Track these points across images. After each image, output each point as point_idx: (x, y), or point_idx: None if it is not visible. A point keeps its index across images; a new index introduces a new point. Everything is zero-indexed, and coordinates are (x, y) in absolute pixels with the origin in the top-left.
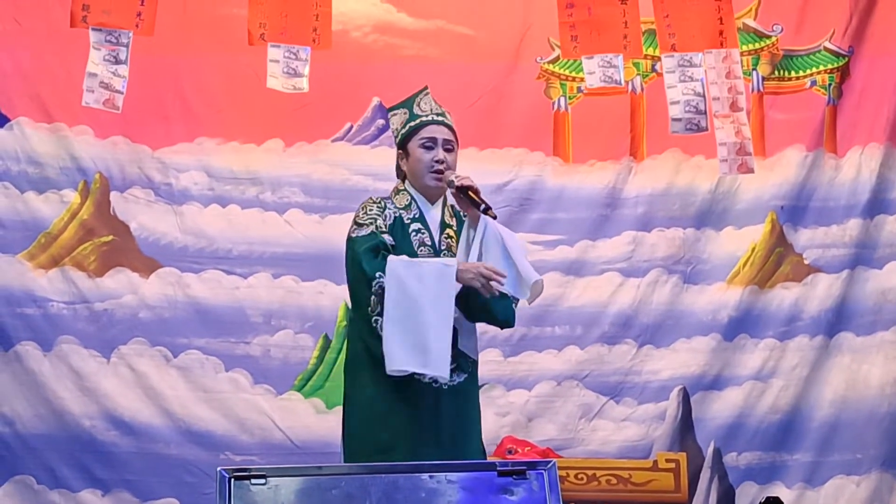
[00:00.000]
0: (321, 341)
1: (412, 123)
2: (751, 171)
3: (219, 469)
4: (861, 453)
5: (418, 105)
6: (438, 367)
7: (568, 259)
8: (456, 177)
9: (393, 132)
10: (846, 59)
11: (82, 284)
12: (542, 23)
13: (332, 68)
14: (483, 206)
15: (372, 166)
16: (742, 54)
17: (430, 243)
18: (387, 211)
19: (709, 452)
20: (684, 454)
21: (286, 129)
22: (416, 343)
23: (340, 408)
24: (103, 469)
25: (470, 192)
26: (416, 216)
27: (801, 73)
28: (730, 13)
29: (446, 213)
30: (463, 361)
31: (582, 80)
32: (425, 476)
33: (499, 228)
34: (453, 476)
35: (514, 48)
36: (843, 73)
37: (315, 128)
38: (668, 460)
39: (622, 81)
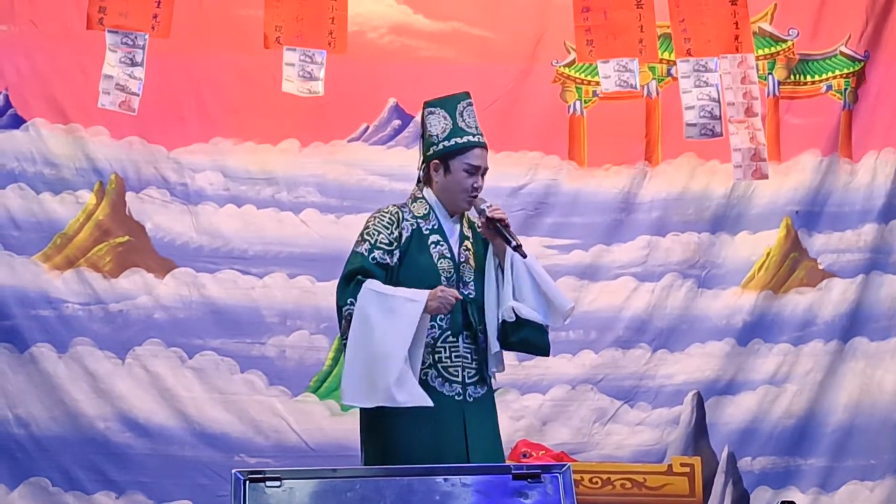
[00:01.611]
0: (336, 342)
1: (458, 140)
2: (765, 176)
3: (233, 471)
4: (875, 458)
5: (461, 115)
6: (388, 397)
7: (583, 263)
8: (488, 206)
9: (428, 135)
10: (862, 63)
11: (97, 285)
12: (558, 26)
13: (349, 69)
14: (514, 244)
15: (388, 167)
16: (758, 58)
17: (449, 255)
18: (403, 223)
19: (723, 457)
20: (699, 458)
21: (302, 129)
22: (367, 376)
23: (355, 410)
24: (118, 471)
25: (500, 226)
26: (435, 227)
27: (817, 78)
28: (745, 18)
29: (464, 224)
30: (485, 373)
31: (597, 83)
32: (440, 479)
33: (527, 261)
34: (468, 479)
35: (530, 51)
36: (859, 77)
37: (331, 128)
38: (682, 464)
39: (637, 86)
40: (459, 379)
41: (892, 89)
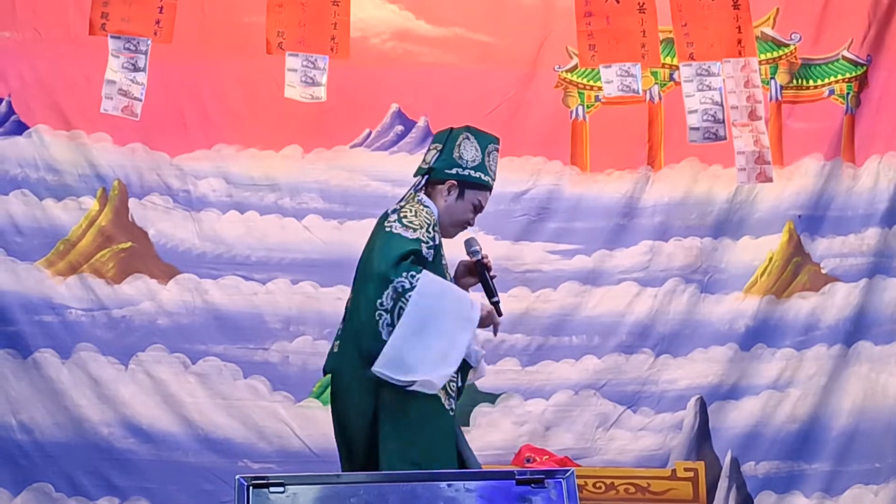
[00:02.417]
0: None
1: (483, 177)
2: (769, 179)
3: (237, 477)
4: (879, 463)
5: (488, 156)
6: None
7: (585, 268)
8: (483, 254)
9: (458, 155)
10: (864, 68)
11: (101, 291)
12: (561, 31)
13: (351, 75)
14: (495, 299)
15: (390, 172)
16: (760, 63)
17: (452, 276)
18: (436, 226)
19: (726, 462)
20: (702, 463)
21: (305, 135)
22: (440, 352)
23: None
24: (121, 477)
25: (488, 276)
26: (439, 242)
27: (819, 82)
28: (748, 22)
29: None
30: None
31: (600, 88)
32: (443, 485)
33: None
34: (471, 485)
35: (533, 56)
36: (862, 82)
37: (334, 134)
38: (686, 469)
39: (640, 90)
40: (455, 393)
41: (895, 93)
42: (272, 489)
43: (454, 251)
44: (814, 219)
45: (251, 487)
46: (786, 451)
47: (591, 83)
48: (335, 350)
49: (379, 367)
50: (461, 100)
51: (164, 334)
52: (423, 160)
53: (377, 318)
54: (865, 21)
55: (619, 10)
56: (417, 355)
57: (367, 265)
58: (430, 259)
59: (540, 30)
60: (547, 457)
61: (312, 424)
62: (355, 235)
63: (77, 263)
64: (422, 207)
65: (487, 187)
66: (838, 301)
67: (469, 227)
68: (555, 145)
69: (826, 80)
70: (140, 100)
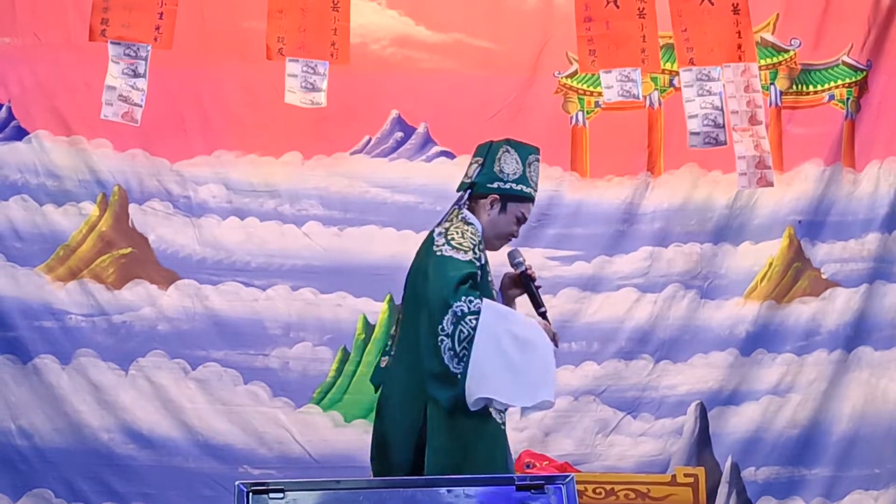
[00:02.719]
0: (340, 354)
1: (525, 189)
2: (770, 184)
3: (237, 483)
4: (879, 468)
5: (529, 167)
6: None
7: (585, 275)
8: (528, 265)
9: (499, 169)
10: (864, 73)
11: (101, 297)
12: (561, 37)
13: (351, 81)
14: (543, 309)
15: (390, 179)
16: (760, 68)
17: (497, 290)
18: (481, 244)
19: (727, 467)
20: (702, 469)
21: (304, 141)
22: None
23: (359, 421)
24: (121, 482)
25: (534, 287)
26: (486, 259)
27: (819, 88)
28: (748, 27)
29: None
30: None
31: (599, 94)
32: (443, 490)
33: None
34: (471, 490)
35: (533, 62)
36: (861, 87)
37: (333, 140)
38: (686, 475)
39: (640, 95)
40: (505, 408)
41: (895, 98)
42: (272, 495)
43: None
44: (814, 224)
45: (251, 493)
46: (786, 456)
47: (591, 89)
48: (383, 366)
49: (479, 394)
50: (461, 106)
51: (165, 340)
52: (466, 174)
53: (439, 342)
54: (865, 26)
55: (619, 14)
56: (509, 377)
57: (422, 290)
58: (479, 280)
59: (539, 35)
60: (547, 462)
61: (312, 430)
62: (355, 242)
63: (77, 269)
64: (466, 227)
65: (530, 199)
66: (839, 306)
67: (513, 239)
68: (555, 151)
69: (826, 86)
70: (140, 106)
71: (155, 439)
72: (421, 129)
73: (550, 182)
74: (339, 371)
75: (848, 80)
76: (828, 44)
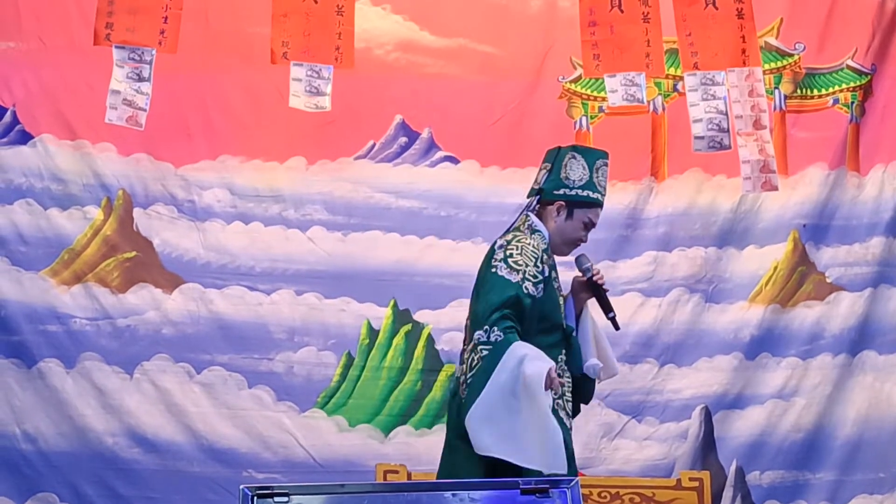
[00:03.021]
0: (344, 359)
1: (591, 195)
2: (774, 188)
3: (241, 487)
4: (884, 472)
5: (597, 171)
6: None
7: None
8: (595, 271)
9: (564, 176)
10: (869, 76)
11: (105, 300)
12: (565, 41)
13: (355, 86)
14: (612, 314)
15: (394, 184)
16: (764, 73)
17: (563, 293)
18: (547, 259)
19: (731, 471)
20: (707, 473)
21: (309, 146)
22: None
23: (363, 426)
24: (126, 486)
25: (602, 292)
26: (553, 264)
27: (824, 92)
28: (752, 31)
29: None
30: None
31: (603, 99)
32: (448, 494)
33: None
34: (476, 494)
35: (537, 67)
36: (866, 91)
37: (337, 145)
38: (691, 479)
39: (644, 100)
40: (572, 412)
41: None
42: (276, 499)
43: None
44: (818, 228)
45: (256, 497)
46: (791, 460)
47: (595, 94)
48: (456, 374)
49: (480, 441)
50: (465, 111)
51: (169, 344)
52: (535, 180)
53: (461, 361)
54: (870, 30)
55: (623, 19)
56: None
57: (471, 303)
58: (540, 293)
59: (543, 40)
60: None
61: (317, 434)
62: (359, 247)
63: (82, 273)
64: (529, 240)
65: (597, 204)
66: (843, 310)
67: (582, 245)
68: None
69: (830, 90)
70: (144, 110)
71: (159, 443)
72: (425, 134)
73: None
74: (344, 376)
75: (852, 84)
76: (832, 48)
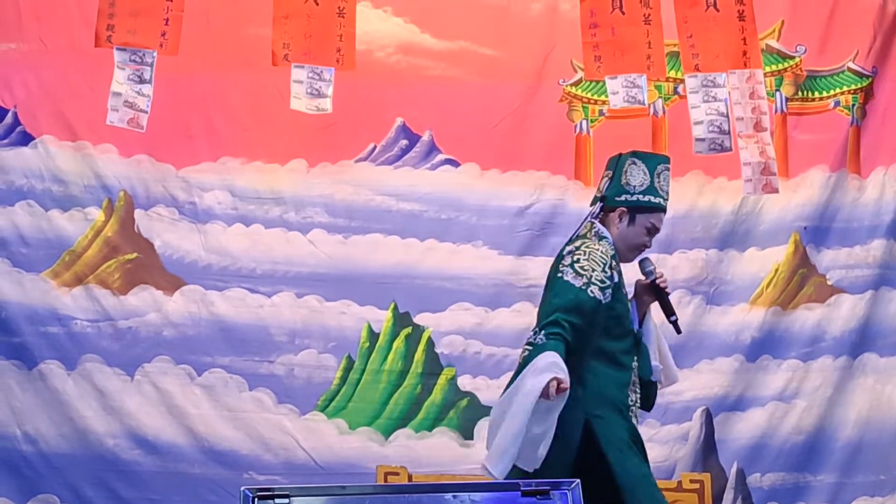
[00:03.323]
0: (344, 361)
1: (653, 199)
2: (775, 190)
3: (242, 488)
4: (885, 474)
5: (658, 177)
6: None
7: None
8: (658, 274)
9: (625, 182)
10: (870, 79)
11: (106, 302)
12: (565, 44)
13: (356, 89)
14: (674, 318)
15: (395, 187)
16: (765, 75)
17: (631, 299)
18: (615, 266)
19: (732, 473)
20: (708, 475)
21: (310, 149)
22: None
23: (363, 428)
24: (127, 488)
25: (665, 296)
26: (620, 270)
27: (825, 94)
28: (753, 33)
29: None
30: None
31: (604, 102)
32: (449, 496)
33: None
34: (477, 496)
35: (538, 70)
36: (867, 93)
37: (338, 148)
38: (692, 481)
39: (646, 102)
40: (635, 416)
41: None
42: (277, 500)
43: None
44: (819, 230)
45: (256, 499)
46: (791, 462)
47: (596, 97)
48: None
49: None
50: (466, 113)
51: (170, 346)
52: (598, 188)
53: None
54: (871, 32)
55: (624, 21)
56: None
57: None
58: (608, 298)
59: (544, 43)
60: None
61: (317, 437)
62: (360, 250)
63: (83, 274)
64: (597, 246)
65: (659, 208)
66: (844, 313)
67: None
68: (559, 159)
69: (831, 92)
70: (146, 112)
71: (160, 445)
72: (426, 136)
73: (554, 191)
74: (344, 379)
75: (853, 87)
76: (833, 50)
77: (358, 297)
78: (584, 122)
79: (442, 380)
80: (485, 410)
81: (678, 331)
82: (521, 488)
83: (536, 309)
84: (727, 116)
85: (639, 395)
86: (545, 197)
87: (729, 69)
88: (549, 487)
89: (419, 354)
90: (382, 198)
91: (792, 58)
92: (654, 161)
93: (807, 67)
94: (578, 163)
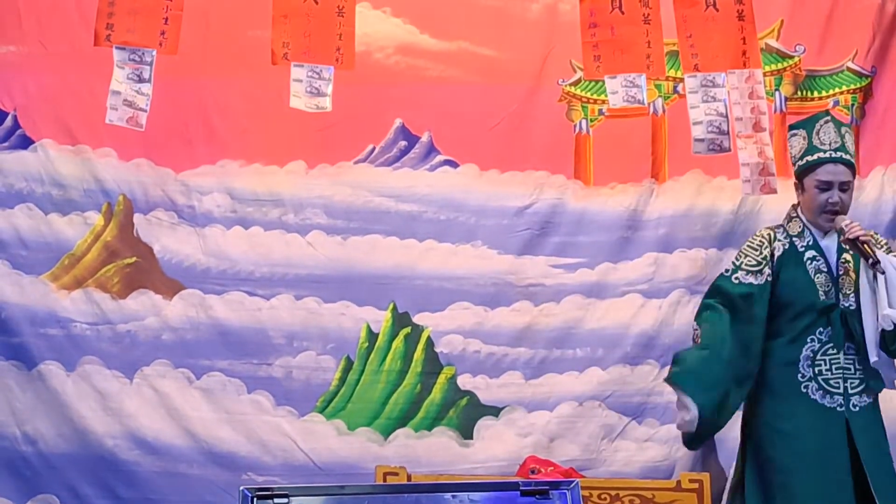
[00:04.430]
0: (343, 363)
1: (809, 158)
2: (773, 191)
3: (242, 488)
4: None
5: (817, 134)
6: None
7: (589, 282)
8: (847, 225)
9: (791, 157)
10: (869, 79)
11: (105, 306)
12: (565, 44)
13: (355, 90)
14: (872, 260)
15: (394, 188)
16: (765, 75)
17: (825, 270)
18: (774, 243)
19: (731, 473)
20: (707, 475)
21: (308, 150)
22: None
23: (362, 429)
24: (126, 488)
25: (858, 243)
26: (810, 243)
27: (824, 94)
28: (753, 33)
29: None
30: (871, 383)
31: (603, 102)
32: (448, 496)
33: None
34: (476, 496)
35: (537, 70)
36: (866, 93)
37: (337, 149)
38: (691, 480)
39: (645, 101)
40: (841, 390)
41: None
42: (276, 500)
43: None
44: None
45: (256, 499)
46: None
47: (595, 97)
48: None
49: None
50: (465, 114)
51: (169, 349)
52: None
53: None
54: (870, 32)
55: (624, 20)
56: None
57: None
58: (763, 280)
59: (543, 44)
60: (552, 468)
61: (316, 438)
62: (359, 251)
63: (82, 278)
64: (759, 231)
65: (820, 162)
66: None
67: (833, 208)
68: (558, 159)
69: (830, 92)
70: (145, 111)
71: (159, 446)
72: (425, 137)
73: (554, 190)
74: (343, 380)
75: (853, 87)
76: (832, 50)
77: (357, 297)
78: (584, 122)
79: (441, 379)
80: (484, 409)
81: (881, 272)
82: (521, 488)
83: (536, 307)
84: (726, 116)
85: (829, 366)
86: (544, 196)
87: (728, 69)
88: (548, 487)
89: (418, 354)
90: (381, 199)
91: (791, 57)
92: (812, 121)
93: (806, 67)
94: (578, 162)
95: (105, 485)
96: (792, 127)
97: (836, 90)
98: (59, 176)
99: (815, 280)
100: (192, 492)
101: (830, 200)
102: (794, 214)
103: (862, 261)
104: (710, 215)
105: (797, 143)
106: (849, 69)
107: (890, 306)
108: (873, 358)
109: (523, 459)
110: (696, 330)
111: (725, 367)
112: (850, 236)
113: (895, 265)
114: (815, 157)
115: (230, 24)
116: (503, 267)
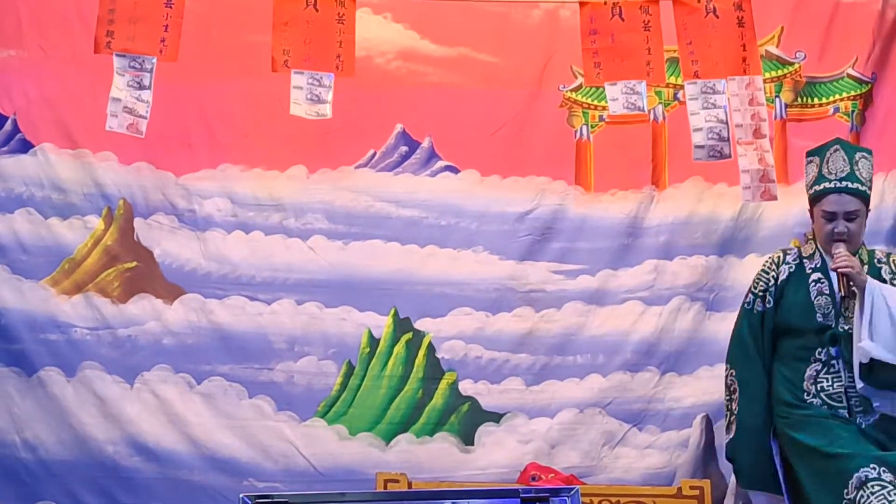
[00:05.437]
0: (344, 368)
1: (816, 188)
2: (773, 198)
3: (241, 496)
4: None
5: (826, 163)
6: None
7: (590, 288)
8: (836, 255)
9: (805, 185)
10: (869, 85)
11: (106, 310)
12: (565, 50)
13: (356, 95)
14: (842, 294)
15: (395, 193)
16: (765, 81)
17: (827, 293)
18: (781, 266)
19: (732, 480)
20: (708, 481)
21: (309, 155)
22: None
23: (363, 434)
24: (126, 495)
25: (839, 275)
26: (818, 266)
27: (824, 100)
28: (753, 40)
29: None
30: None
31: (604, 108)
32: (448, 503)
33: (886, 294)
34: (476, 503)
35: (537, 76)
36: (866, 99)
37: (338, 154)
38: (692, 487)
39: (645, 108)
40: (846, 408)
41: None
42: None
43: None
44: None
45: None
46: None
47: (596, 103)
48: None
49: None
50: (466, 120)
51: (170, 354)
52: None
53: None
54: (870, 39)
55: (624, 27)
56: None
57: None
58: (766, 306)
59: (544, 50)
60: (553, 475)
61: (317, 444)
62: (360, 256)
63: (82, 282)
64: (779, 251)
65: (825, 193)
66: None
67: (838, 238)
68: (559, 165)
69: (831, 98)
70: (145, 118)
71: (160, 452)
72: (426, 143)
73: (555, 196)
74: (344, 385)
75: (853, 93)
76: (833, 56)
77: (358, 303)
78: (585, 128)
79: (443, 384)
80: (486, 415)
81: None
82: (521, 495)
83: (537, 313)
84: (726, 123)
85: (832, 383)
86: (545, 202)
87: (728, 76)
88: (548, 494)
89: (420, 359)
90: (382, 204)
91: (791, 64)
92: (824, 149)
93: (806, 74)
94: (579, 168)
95: (105, 491)
96: (808, 154)
97: (837, 97)
98: (59, 180)
99: (815, 302)
100: (192, 498)
101: (836, 230)
102: (811, 237)
103: (856, 303)
104: (710, 222)
105: (811, 170)
106: (849, 76)
107: (870, 338)
108: (859, 385)
109: (524, 466)
110: (730, 371)
111: (764, 410)
112: (832, 267)
113: (885, 296)
114: (821, 186)
115: (231, 28)
116: (504, 273)
